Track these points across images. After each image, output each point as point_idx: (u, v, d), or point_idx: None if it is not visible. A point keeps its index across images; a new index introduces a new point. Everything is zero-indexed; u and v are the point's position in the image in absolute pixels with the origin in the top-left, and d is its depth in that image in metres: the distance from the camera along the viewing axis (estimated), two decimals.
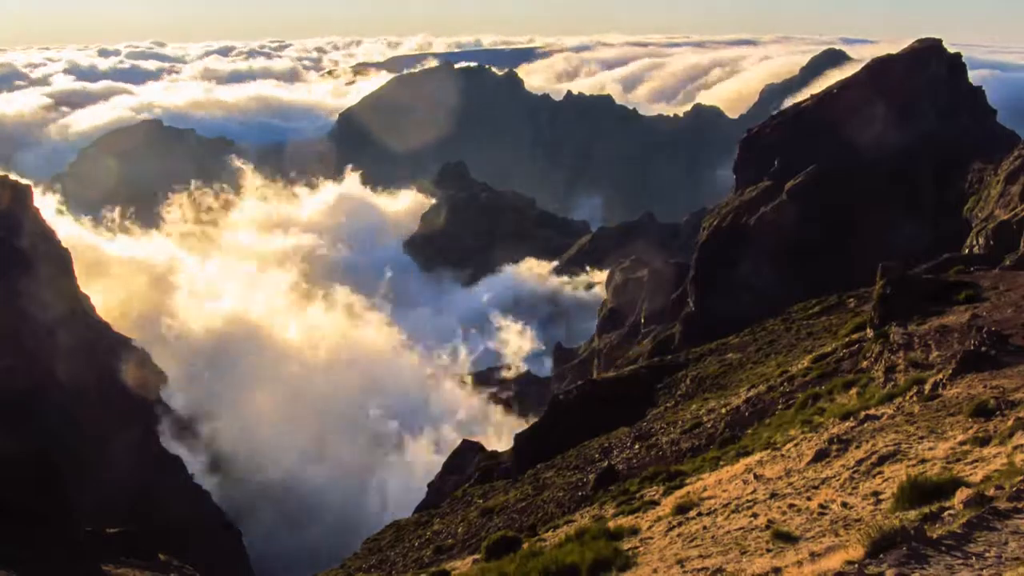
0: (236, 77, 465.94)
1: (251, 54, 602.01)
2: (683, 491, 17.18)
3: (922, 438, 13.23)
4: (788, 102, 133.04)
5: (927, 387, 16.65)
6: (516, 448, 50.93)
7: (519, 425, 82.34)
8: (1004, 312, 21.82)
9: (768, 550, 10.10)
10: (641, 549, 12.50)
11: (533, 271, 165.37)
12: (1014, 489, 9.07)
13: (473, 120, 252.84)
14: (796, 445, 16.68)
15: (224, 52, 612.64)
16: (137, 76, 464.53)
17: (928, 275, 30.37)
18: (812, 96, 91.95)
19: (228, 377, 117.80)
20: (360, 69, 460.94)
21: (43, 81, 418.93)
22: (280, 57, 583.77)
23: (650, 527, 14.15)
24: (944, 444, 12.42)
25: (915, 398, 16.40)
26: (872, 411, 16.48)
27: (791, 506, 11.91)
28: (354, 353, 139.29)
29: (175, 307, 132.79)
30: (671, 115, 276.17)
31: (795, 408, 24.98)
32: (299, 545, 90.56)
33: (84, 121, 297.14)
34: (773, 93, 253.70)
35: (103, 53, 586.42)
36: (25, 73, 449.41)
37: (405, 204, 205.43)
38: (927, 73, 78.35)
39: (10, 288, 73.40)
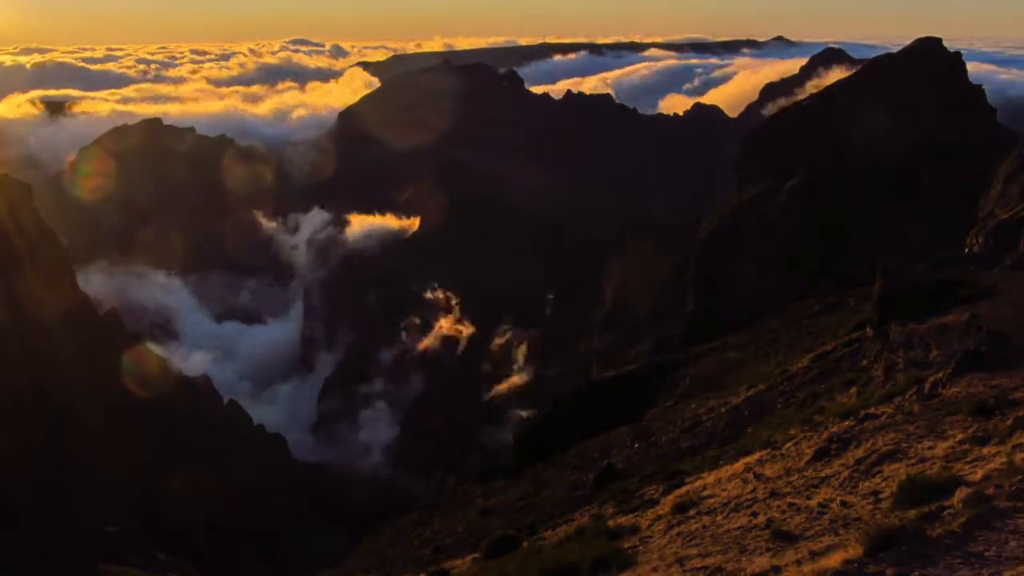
0: (237, 77, 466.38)
1: (251, 54, 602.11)
2: (683, 490, 17.17)
3: (922, 437, 13.22)
4: (788, 102, 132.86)
5: (927, 386, 16.64)
6: (516, 447, 51.01)
7: None
8: (1004, 312, 21.80)
9: (768, 549, 10.10)
10: (641, 548, 12.50)
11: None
12: (1013, 488, 9.07)
13: (473, 120, 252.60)
14: (796, 444, 16.67)
15: (225, 53, 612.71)
16: (138, 75, 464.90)
17: (928, 274, 30.34)
18: (812, 96, 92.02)
19: None
20: (360, 68, 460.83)
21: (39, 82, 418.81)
22: (280, 56, 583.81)
23: (650, 526, 14.15)
24: (944, 443, 12.41)
25: (915, 397, 16.40)
26: (872, 410, 16.47)
27: (791, 505, 11.90)
28: None
29: None
30: (671, 115, 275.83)
31: (795, 407, 25.01)
32: None
33: (84, 120, 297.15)
34: (773, 93, 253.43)
35: (104, 54, 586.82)
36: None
37: None
38: (926, 72, 78.36)
39: (10, 288, 73.35)
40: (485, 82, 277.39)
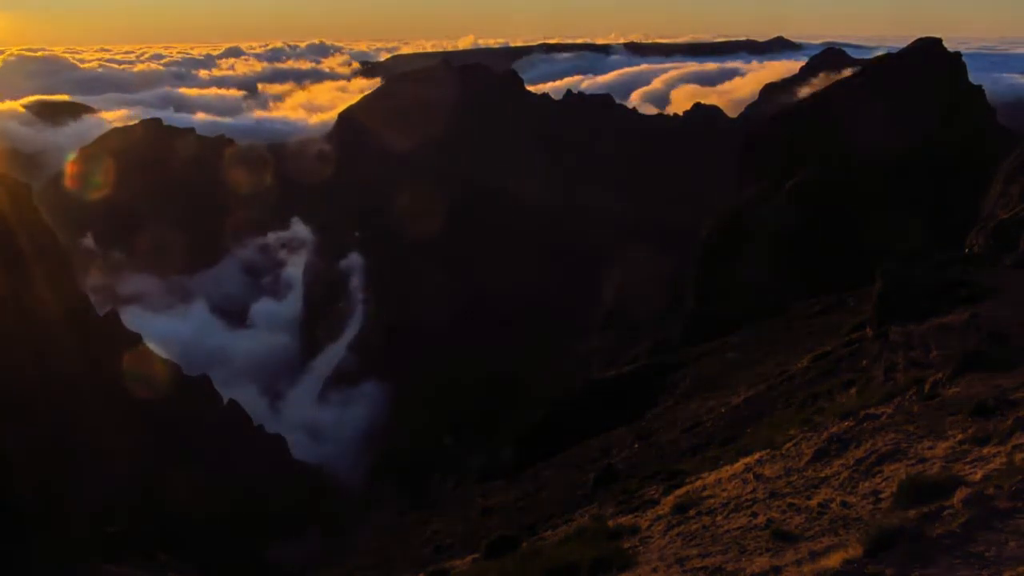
0: (238, 77, 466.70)
1: (251, 55, 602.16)
2: (683, 490, 17.15)
3: (922, 437, 13.21)
4: (788, 102, 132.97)
5: (927, 386, 16.62)
6: (516, 447, 51.02)
7: None
8: (1004, 312, 21.78)
9: (768, 549, 10.10)
10: (641, 548, 12.49)
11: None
12: (1013, 488, 9.07)
13: (473, 120, 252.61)
14: (796, 444, 16.65)
15: (225, 52, 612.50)
16: (138, 76, 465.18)
17: (928, 275, 30.32)
18: (812, 96, 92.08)
19: None
20: (360, 69, 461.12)
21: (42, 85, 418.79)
22: (280, 57, 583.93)
23: (650, 526, 14.14)
24: (944, 443, 12.40)
25: (915, 397, 16.38)
26: (872, 410, 16.44)
27: (791, 505, 11.90)
28: None
29: None
30: (671, 115, 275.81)
31: (795, 407, 25.00)
32: None
33: (84, 121, 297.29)
34: (773, 93, 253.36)
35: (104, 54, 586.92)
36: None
37: None
38: (926, 72, 78.40)
39: (10, 287, 73.32)
40: (484, 82, 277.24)
